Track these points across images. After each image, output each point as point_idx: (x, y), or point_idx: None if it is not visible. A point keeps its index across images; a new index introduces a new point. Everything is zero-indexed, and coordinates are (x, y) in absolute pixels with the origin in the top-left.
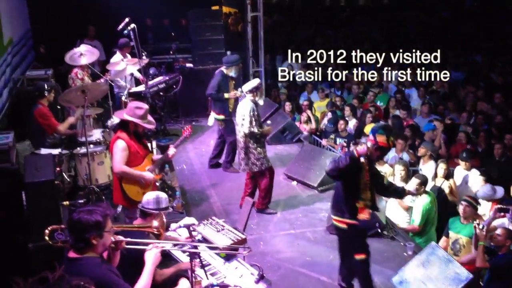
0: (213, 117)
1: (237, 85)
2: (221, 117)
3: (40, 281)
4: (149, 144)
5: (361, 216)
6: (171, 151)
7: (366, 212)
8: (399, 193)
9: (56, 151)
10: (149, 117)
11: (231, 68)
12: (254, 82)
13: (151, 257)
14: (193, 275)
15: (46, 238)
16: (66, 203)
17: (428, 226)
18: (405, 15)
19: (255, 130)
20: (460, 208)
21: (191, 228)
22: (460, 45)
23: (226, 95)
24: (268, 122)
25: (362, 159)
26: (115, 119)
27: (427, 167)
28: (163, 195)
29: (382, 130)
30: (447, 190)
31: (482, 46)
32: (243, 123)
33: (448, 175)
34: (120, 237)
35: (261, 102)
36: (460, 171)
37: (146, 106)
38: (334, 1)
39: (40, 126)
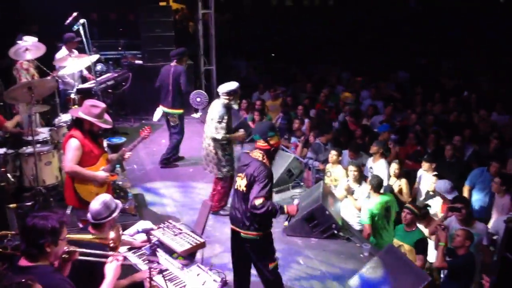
0: (160, 112)
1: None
2: (181, 111)
3: None
4: None
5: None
6: (127, 155)
7: None
8: None
9: (1, 151)
10: (106, 116)
11: (181, 60)
12: (232, 85)
13: (112, 270)
14: (151, 283)
15: None
16: (13, 205)
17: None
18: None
19: (219, 136)
20: (402, 216)
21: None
22: (405, 47)
23: None
24: (241, 130)
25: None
26: (62, 117)
27: (377, 165)
28: (106, 196)
29: (273, 132)
30: (396, 189)
31: (426, 48)
32: (210, 125)
33: (401, 175)
34: (74, 248)
35: (235, 106)
36: (422, 173)
37: (103, 105)
38: (280, 1)
39: None
